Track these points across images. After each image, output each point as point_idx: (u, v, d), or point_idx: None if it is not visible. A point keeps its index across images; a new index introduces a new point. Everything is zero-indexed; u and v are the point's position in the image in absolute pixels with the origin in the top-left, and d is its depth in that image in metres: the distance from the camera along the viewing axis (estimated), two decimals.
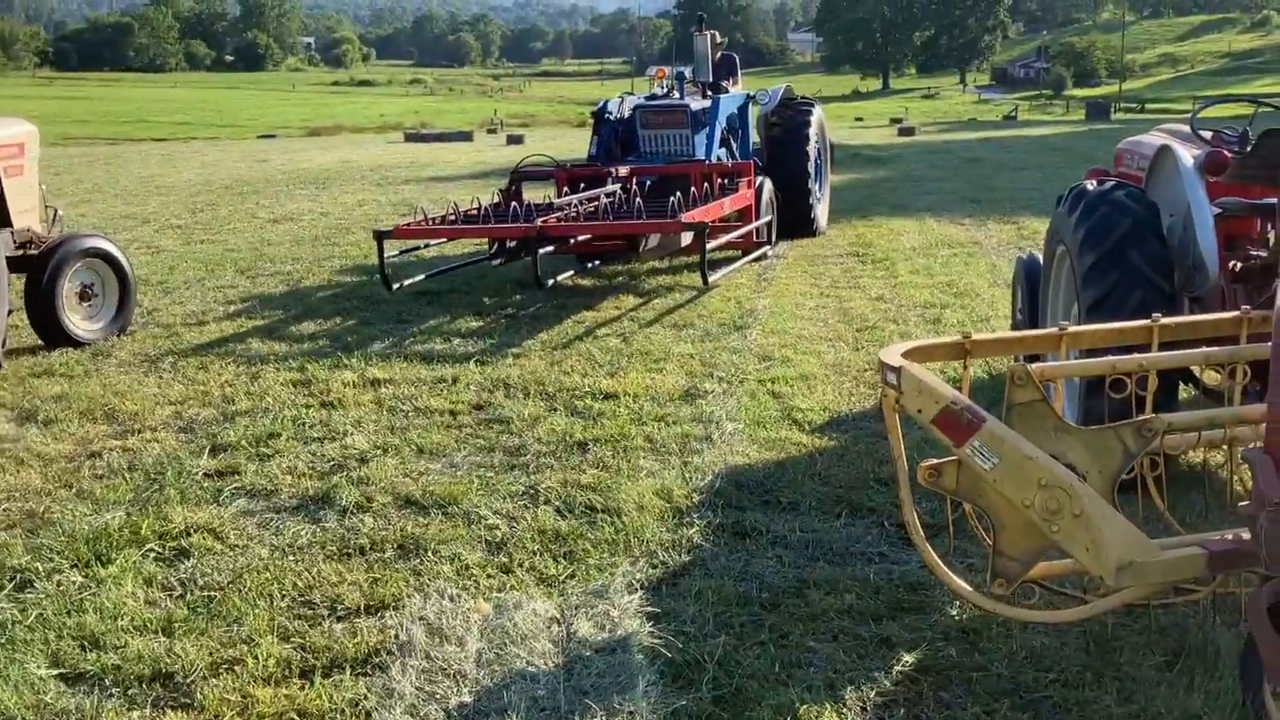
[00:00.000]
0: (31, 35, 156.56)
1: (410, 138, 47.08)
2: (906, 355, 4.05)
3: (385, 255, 11.03)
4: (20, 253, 9.52)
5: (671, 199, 11.29)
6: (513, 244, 11.79)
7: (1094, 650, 4.33)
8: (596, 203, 11.65)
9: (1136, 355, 4.42)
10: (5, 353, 8.75)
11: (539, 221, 10.88)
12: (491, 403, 7.85)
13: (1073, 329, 4.50)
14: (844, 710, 4.01)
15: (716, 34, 15.91)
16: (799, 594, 4.87)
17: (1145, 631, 4.43)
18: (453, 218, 11.67)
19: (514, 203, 11.91)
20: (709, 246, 10.99)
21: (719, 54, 15.73)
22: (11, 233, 9.40)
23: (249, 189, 24.00)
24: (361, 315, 10.82)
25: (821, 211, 15.74)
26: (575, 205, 11.64)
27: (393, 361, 8.98)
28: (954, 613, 4.65)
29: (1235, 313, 4.67)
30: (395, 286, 11.11)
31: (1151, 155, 6.54)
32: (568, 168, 13.68)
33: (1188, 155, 6.14)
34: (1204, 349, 4.55)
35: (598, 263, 13.12)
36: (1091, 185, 6.29)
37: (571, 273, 12.48)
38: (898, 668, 4.28)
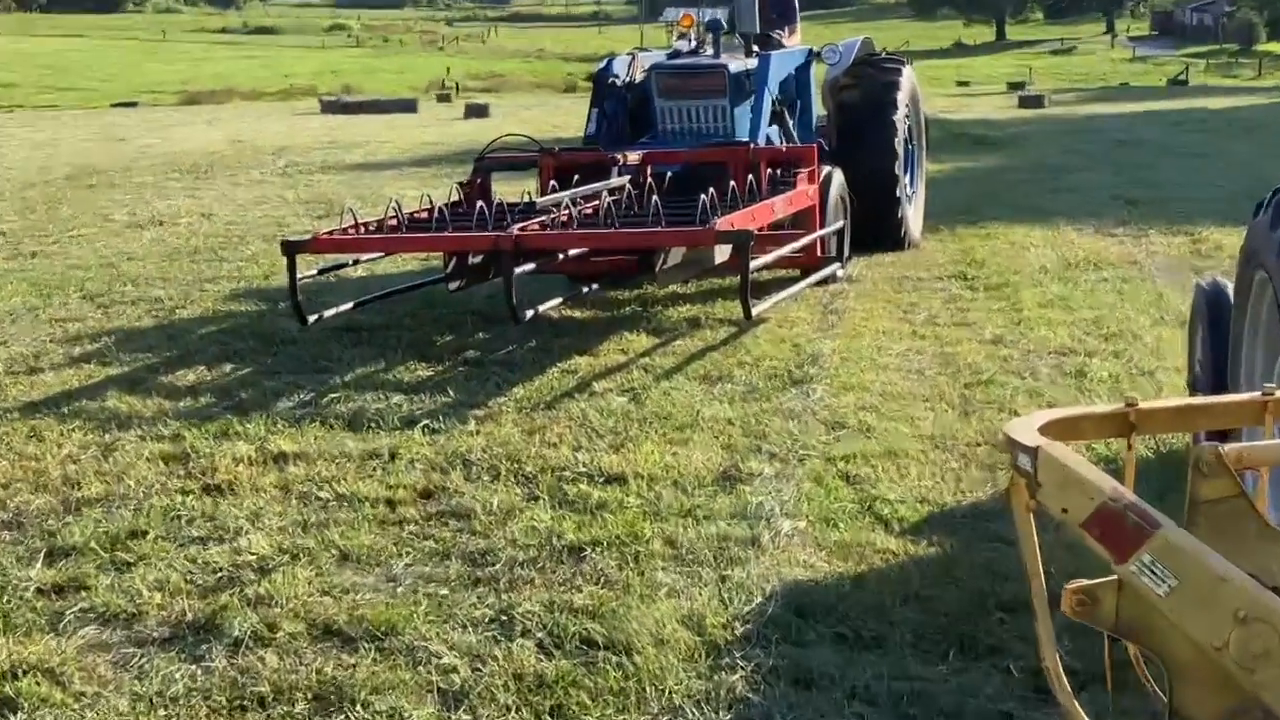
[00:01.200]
0: None
1: (329, 107, 47.28)
2: (1046, 429, 4.03)
3: (299, 276, 10.93)
4: None
5: (702, 197, 11.09)
6: (477, 260, 11.71)
7: None
8: (596, 203, 11.58)
9: None
10: None
11: (514, 229, 10.78)
12: (446, 488, 7.83)
13: None
14: None
15: None
16: None
17: None
18: (393, 223, 11.55)
19: (480, 202, 11.75)
20: (754, 265, 10.88)
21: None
22: None
23: (101, 180, 24.08)
24: (261, 361, 10.80)
25: (913, 215, 15.70)
26: (566, 206, 11.48)
27: (305, 428, 8.96)
28: None
29: None
30: (312, 319, 11.05)
31: None
32: (556, 152, 13.51)
33: None
34: None
35: (595, 287, 13.03)
36: None
37: (559, 301, 12.33)
38: None
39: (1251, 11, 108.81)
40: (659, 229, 11.00)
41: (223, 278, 14.30)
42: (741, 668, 5.60)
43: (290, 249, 10.93)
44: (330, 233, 11.61)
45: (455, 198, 12.56)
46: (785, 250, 12.45)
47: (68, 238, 17.38)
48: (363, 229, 11.51)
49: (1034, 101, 46.55)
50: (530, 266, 11.40)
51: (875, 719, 5.21)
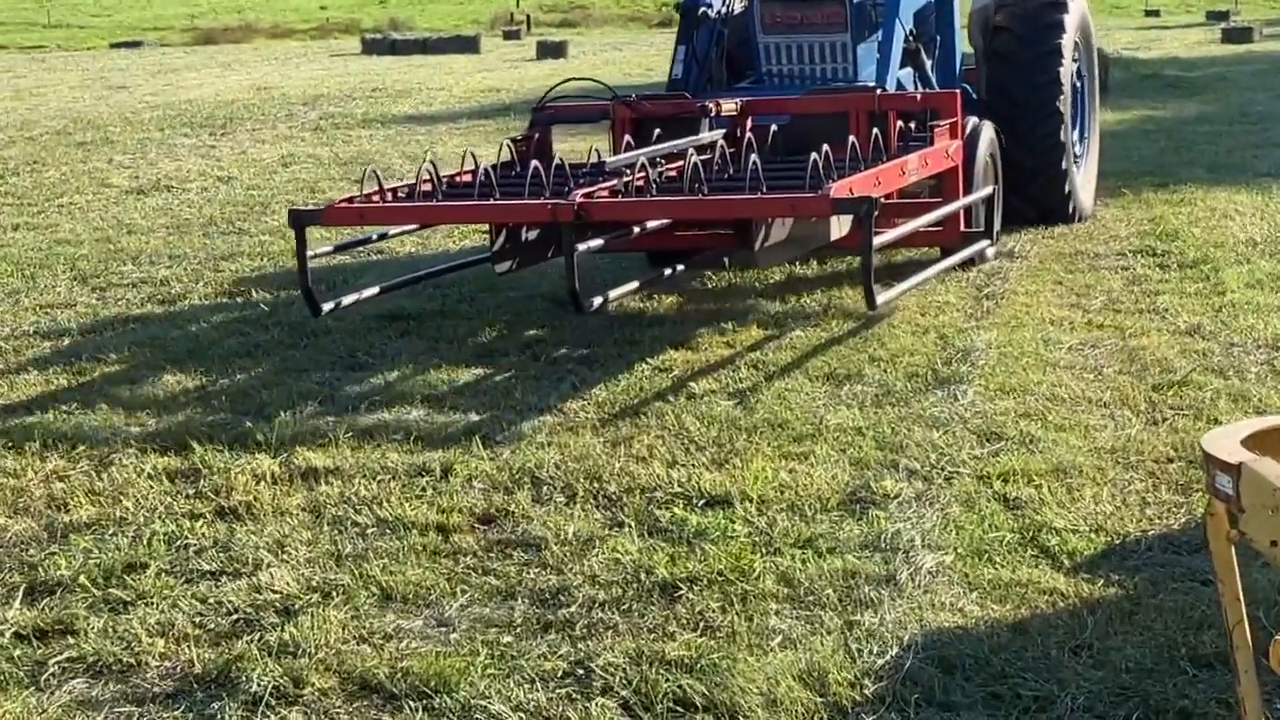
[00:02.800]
0: None
1: (373, 47, 47.52)
2: (1251, 443, 3.98)
3: (310, 254, 10.74)
4: None
5: (814, 156, 10.66)
6: (532, 235, 11.45)
7: None
8: (681, 163, 11.26)
9: None
10: None
11: (577, 196, 10.41)
12: (510, 511, 7.84)
13: None
14: None
15: None
16: None
17: None
18: (427, 188, 11.30)
19: (535, 162, 11.31)
20: (879, 242, 10.52)
21: None
22: None
23: (98, 136, 24.29)
24: (286, 355, 10.88)
25: (1084, 182, 15.48)
26: (643, 167, 11.12)
27: (340, 438, 8.99)
28: None
29: None
30: (327, 307, 10.84)
31: None
32: (633, 101, 12.99)
33: None
34: None
35: (681, 269, 12.66)
36: None
37: (635, 286, 11.91)
38: None
39: None
40: (760, 195, 10.56)
41: (241, 254, 14.33)
42: None
43: (299, 220, 10.64)
44: (350, 200, 11.27)
45: (506, 157, 12.23)
46: (919, 223, 11.94)
47: (55, 207, 17.52)
48: (389, 196, 11.16)
49: (1240, 35, 46.10)
50: (598, 243, 10.92)
51: None
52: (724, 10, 14.04)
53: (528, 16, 57.84)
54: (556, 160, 11.67)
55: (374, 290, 11.31)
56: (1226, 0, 63.32)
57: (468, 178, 11.26)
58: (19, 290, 13.17)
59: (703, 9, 14.00)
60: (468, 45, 46.88)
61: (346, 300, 11.04)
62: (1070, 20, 14.99)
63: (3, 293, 13.09)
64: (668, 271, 12.36)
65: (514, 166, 11.87)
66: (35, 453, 8.89)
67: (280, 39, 55.25)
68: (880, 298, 10.37)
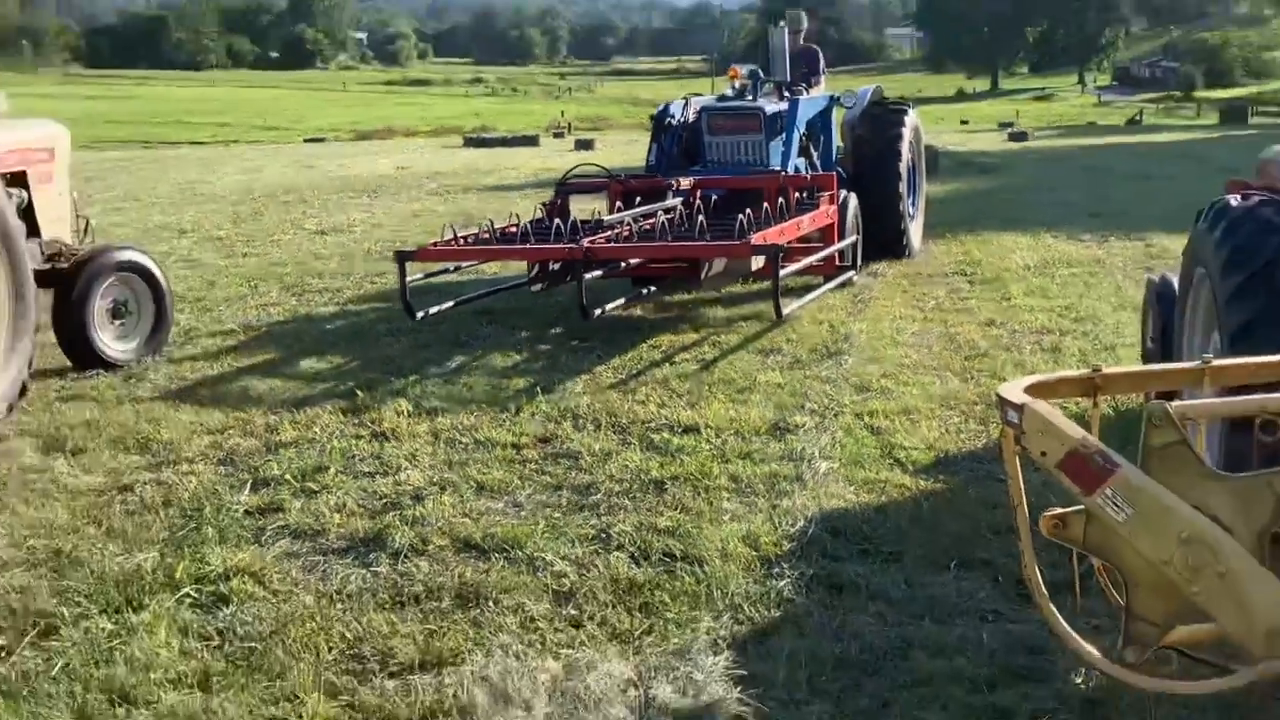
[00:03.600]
0: (61, 30, 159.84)
1: (470, 142, 47.34)
2: (1029, 390, 3.98)
3: (410, 279, 10.55)
4: (49, 266, 9.57)
5: (740, 217, 10.70)
6: (556, 266, 11.19)
7: None
8: (653, 220, 11.06)
9: None
10: (31, 375, 8.84)
11: (585, 242, 10.36)
12: (558, 435, 7.85)
13: (1218, 362, 4.40)
14: None
15: (803, 15, 15.34)
16: (903, 656, 4.81)
17: None
18: (486, 236, 11.11)
19: (557, 221, 11.31)
20: (783, 273, 10.41)
21: (799, 47, 15.09)
22: (40, 244, 9.46)
23: (295, 197, 24.27)
24: (416, 337, 10.81)
25: (915, 230, 15.23)
26: (628, 223, 11.13)
27: (450, 389, 9.00)
28: (1078, 681, 4.55)
29: None
30: (420, 315, 10.65)
31: None
32: (622, 179, 12.95)
33: None
34: None
35: (653, 289, 12.41)
36: (1235, 200, 6.17)
37: (622, 301, 11.60)
38: None
39: (1191, 66, 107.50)
40: (704, 243, 10.60)
41: (387, 273, 14.23)
42: (788, 576, 5.58)
43: (401, 258, 10.55)
44: (434, 244, 11.21)
45: (539, 214, 12.07)
46: (809, 261, 11.83)
47: (269, 242, 17.52)
48: (463, 241, 11.08)
49: (1020, 137, 46.08)
50: (598, 273, 11.01)
51: (892, 616, 5.19)
52: (682, 119, 13.78)
53: (569, 123, 57.60)
54: (572, 217, 11.54)
55: (450, 304, 11.14)
56: (1011, 115, 63.40)
57: (513, 228, 11.03)
58: (246, 295, 13.18)
59: (668, 119, 13.80)
60: (530, 141, 46.61)
61: (433, 310, 10.81)
62: (907, 127, 14.79)
63: (237, 296, 13.09)
64: (644, 290, 12.16)
65: (545, 221, 11.65)
66: (258, 397, 8.90)
67: (411, 137, 55.08)
68: (785, 310, 10.37)
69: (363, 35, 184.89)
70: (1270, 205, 6.02)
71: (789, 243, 11.12)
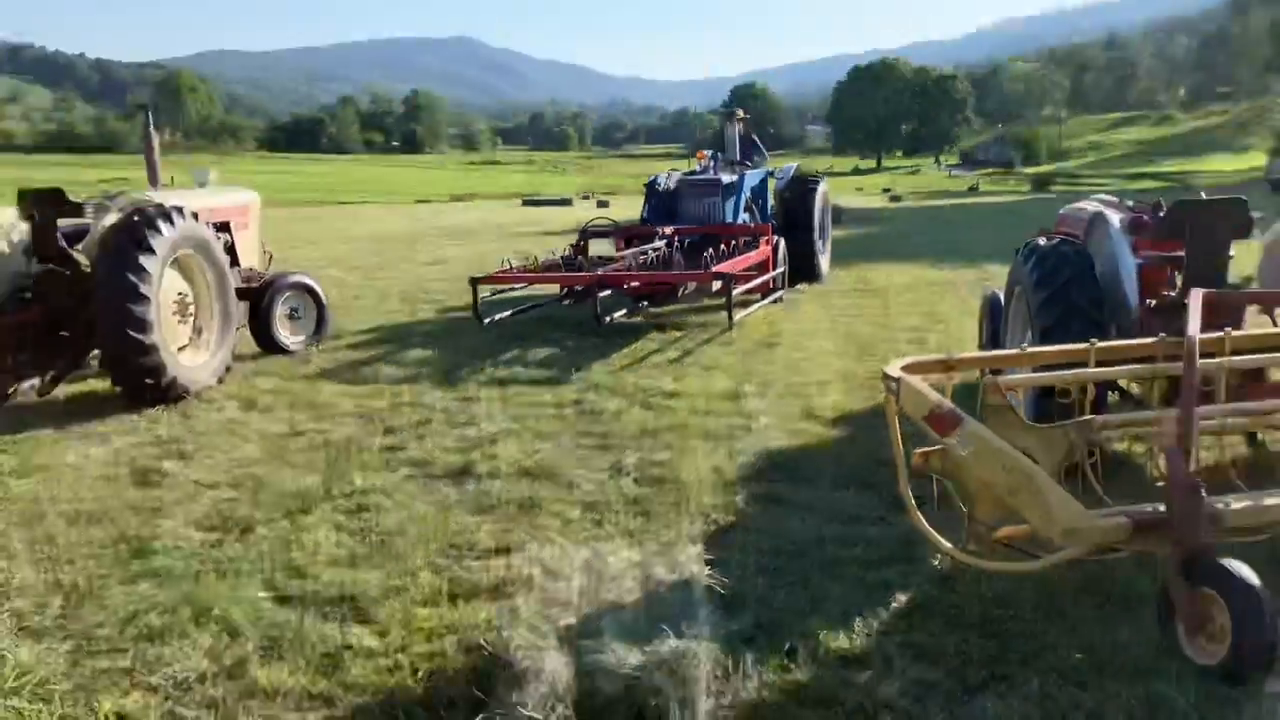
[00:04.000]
0: (253, 126, 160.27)
1: (527, 202, 47.22)
2: (904, 369, 3.99)
3: (480, 296, 10.53)
4: (246, 285, 9.65)
5: (705, 255, 10.79)
6: (580, 288, 11.08)
7: (1045, 594, 4.23)
8: (645, 257, 11.13)
9: (1078, 370, 4.33)
10: (234, 358, 8.85)
11: (600, 271, 10.46)
12: (586, 399, 7.82)
13: (1031, 349, 4.41)
14: (854, 636, 3.94)
15: (741, 112, 15.11)
16: (819, 546, 4.81)
17: (1084, 580, 4.32)
18: (532, 267, 11.19)
19: (580, 256, 11.45)
20: (736, 293, 10.41)
21: (750, 140, 14.91)
22: (239, 271, 9.53)
23: (410, 240, 24.19)
24: (492, 334, 10.73)
25: (824, 263, 14.81)
26: (629, 259, 11.13)
27: (513, 369, 8.98)
28: (936, 564, 4.56)
29: (1154, 339, 4.56)
30: (486, 321, 10.53)
31: (1087, 219, 6.42)
32: (624, 227, 12.93)
33: (1116, 219, 6.02)
34: (1130, 366, 4.45)
35: (646, 304, 11.84)
36: (1042, 241, 6.17)
37: (624, 311, 11.26)
38: (894, 604, 4.21)
39: (1013, 151, 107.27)
40: (680, 273, 10.67)
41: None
42: (740, 493, 5.59)
43: (474, 281, 10.54)
44: (498, 272, 11.17)
45: (568, 252, 12.08)
46: (752, 285, 11.62)
47: (393, 270, 17.48)
48: (516, 270, 11.08)
49: (896, 199, 45.95)
50: (608, 292, 10.75)
51: (810, 519, 5.19)
52: (667, 185, 13.45)
53: (592, 190, 57.45)
54: (592, 255, 11.60)
55: (508, 313, 10.92)
56: (890, 184, 63.14)
57: (552, 261, 11.14)
58: (377, 305, 13.14)
59: (656, 185, 13.48)
60: (566, 202, 46.39)
61: (497, 317, 10.70)
62: (819, 193, 14.38)
63: (371, 306, 13.04)
64: (640, 304, 11.71)
65: (573, 257, 11.68)
66: (386, 374, 8.88)
67: (488, 199, 54.89)
68: (735, 318, 10.35)
69: (454, 130, 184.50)
70: (1066, 244, 6.03)
71: (739, 271, 11.03)
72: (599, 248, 12.95)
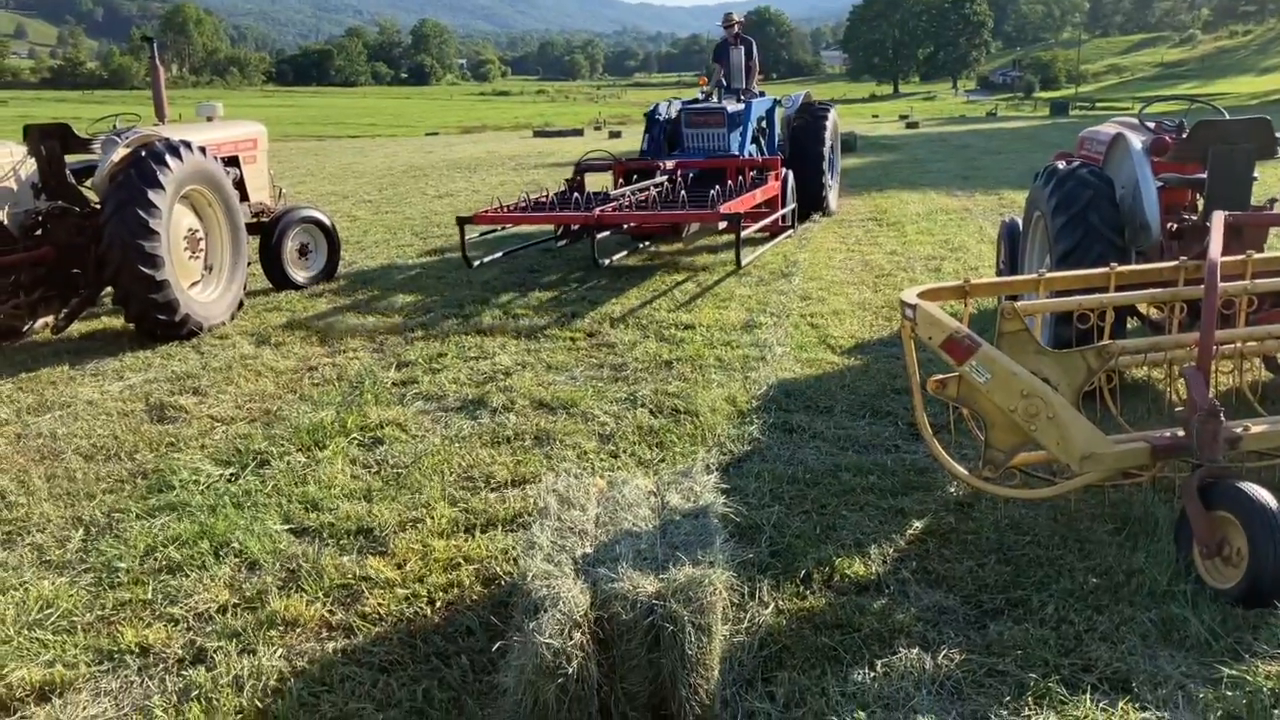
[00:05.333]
0: (259, 59, 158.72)
1: (538, 133, 46.72)
2: (921, 296, 3.95)
3: (469, 237, 9.68)
4: (255, 220, 9.62)
5: (711, 191, 9.91)
6: (575, 228, 10.49)
7: (1060, 520, 4.24)
8: (646, 194, 10.28)
9: (1098, 295, 4.28)
10: (246, 294, 8.85)
11: (597, 211, 9.46)
12: (600, 332, 7.80)
13: (1049, 274, 4.36)
14: (869, 562, 3.96)
15: (736, 17, 13.95)
16: (833, 475, 4.82)
17: (1100, 506, 4.32)
18: (524, 206, 10.15)
19: (575, 193, 10.43)
20: (745, 233, 9.62)
21: (743, 43, 13.79)
22: (248, 205, 9.49)
23: (419, 173, 24.04)
24: (503, 267, 10.70)
25: (833, 196, 14.26)
26: (628, 196, 10.15)
27: (526, 302, 8.96)
28: (952, 490, 4.57)
29: (1175, 262, 4.50)
30: (475, 264, 9.81)
31: (1108, 141, 6.30)
32: (623, 161, 11.98)
33: (1137, 141, 5.91)
34: (1151, 290, 4.40)
35: (648, 243, 11.55)
36: (1061, 165, 6.07)
37: (625, 253, 10.77)
38: (909, 531, 4.22)
39: (1031, 75, 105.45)
40: (685, 212, 9.56)
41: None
42: (756, 422, 5.59)
43: (461, 221, 9.60)
44: (486, 211, 10.10)
45: (563, 188, 11.16)
46: (762, 224, 11.08)
47: (403, 203, 17.38)
48: (506, 209, 9.98)
49: (913, 125, 45.22)
50: (607, 233, 10.29)
51: (825, 447, 5.19)
52: (668, 115, 12.83)
53: (604, 120, 56.79)
54: (588, 191, 10.74)
55: (499, 254, 10.43)
56: (906, 110, 62.22)
57: (544, 199, 10.25)
58: (388, 240, 13.08)
59: (657, 115, 12.89)
60: (578, 133, 45.82)
61: (486, 259, 10.12)
62: (829, 121, 13.89)
63: (382, 240, 12.99)
64: (641, 244, 11.45)
65: (567, 193, 10.78)
66: (399, 307, 8.86)
67: (497, 131, 54.36)
68: (744, 260, 9.71)
69: (463, 61, 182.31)
70: (1085, 168, 5.93)
71: (747, 211, 10.41)
72: (594, 182, 12.21)
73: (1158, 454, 3.85)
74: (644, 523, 3.48)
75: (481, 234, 10.99)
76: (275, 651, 3.51)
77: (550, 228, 11.06)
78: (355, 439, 5.51)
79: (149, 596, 3.91)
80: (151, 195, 7.57)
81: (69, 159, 8.27)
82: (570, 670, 2.88)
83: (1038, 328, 4.82)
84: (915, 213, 14.03)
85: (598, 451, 5.22)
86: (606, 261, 9.92)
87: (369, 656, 3.47)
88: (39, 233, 8.12)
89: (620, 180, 11.34)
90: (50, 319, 8.12)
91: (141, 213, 7.49)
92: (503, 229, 11.19)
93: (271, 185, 10.15)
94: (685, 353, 7.03)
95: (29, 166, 8.14)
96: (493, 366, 6.87)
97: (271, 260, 9.63)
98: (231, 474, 5.08)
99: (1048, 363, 3.87)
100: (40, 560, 4.26)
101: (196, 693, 3.29)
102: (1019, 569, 3.87)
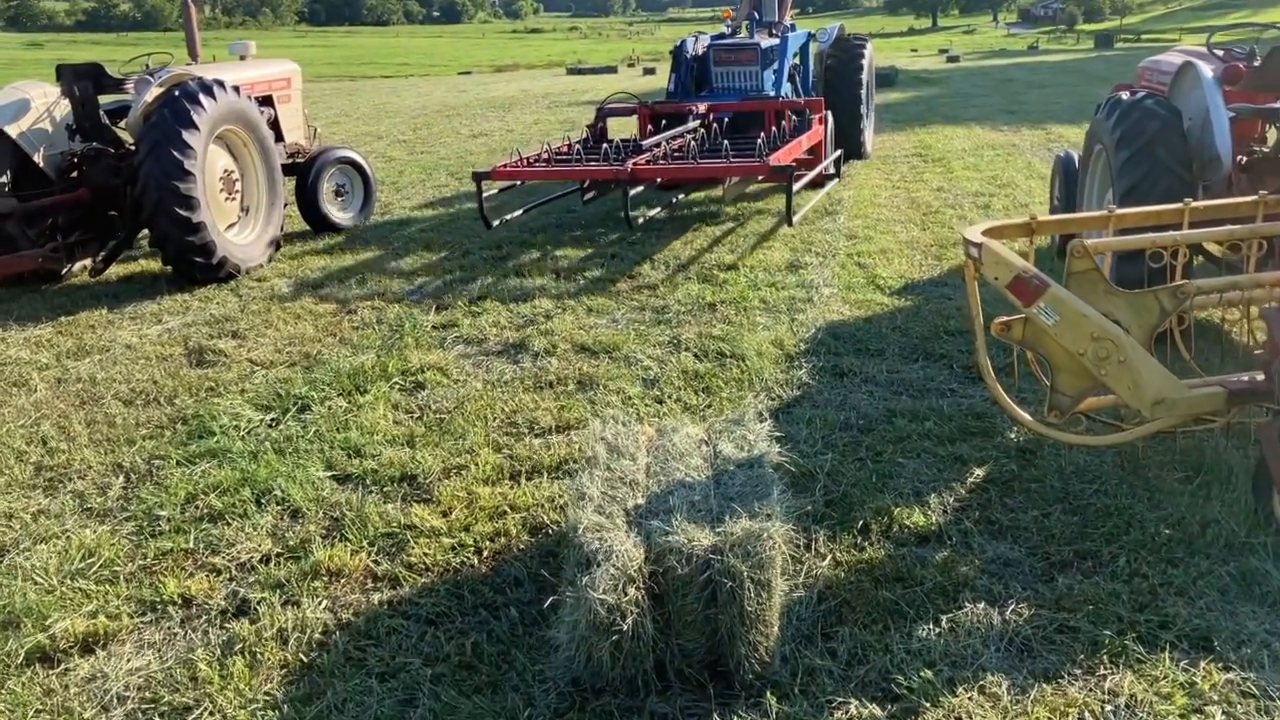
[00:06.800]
0: None
1: (571, 71, 46.07)
2: (985, 233, 3.75)
3: (486, 193, 8.76)
4: (291, 161, 9.47)
5: (758, 140, 8.95)
6: (604, 182, 9.43)
7: (1129, 468, 4.07)
8: (680, 141, 9.40)
9: (1172, 232, 4.06)
10: (282, 235, 8.74)
11: (630, 164, 8.46)
12: (641, 274, 7.65)
13: (1120, 211, 4.13)
14: (929, 512, 3.82)
15: None
16: (888, 421, 4.67)
17: (1170, 453, 4.14)
18: (546, 158, 9.17)
19: (604, 144, 9.40)
20: (797, 187, 8.62)
21: None
22: (283, 146, 9.33)
23: (453, 113, 23.78)
24: (542, 208, 10.43)
25: (869, 137, 13.38)
26: (664, 144, 9.17)
27: (567, 243, 8.81)
28: (1013, 436, 4.40)
29: (1254, 196, 4.26)
30: (495, 223, 8.89)
31: (1174, 71, 6.01)
32: (650, 105, 10.72)
33: (1207, 69, 5.61)
34: (1228, 227, 4.17)
35: (681, 195, 10.74)
36: (1124, 95, 5.79)
37: (659, 209, 10.01)
38: (970, 479, 4.07)
39: (1074, 6, 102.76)
40: (730, 163, 8.51)
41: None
42: (804, 366, 5.44)
43: (478, 177, 8.54)
44: (504, 165, 9.02)
45: (585, 135, 10.21)
46: (812, 175, 9.84)
47: (438, 143, 17.18)
48: (526, 162, 9.00)
49: (954, 59, 44.18)
50: (640, 188, 9.46)
51: (878, 392, 5.04)
52: (695, 52, 11.77)
53: (638, 57, 55.87)
54: (614, 140, 9.73)
55: (519, 212, 9.33)
56: (946, 44, 60.80)
57: (565, 150, 9.30)
58: (424, 180, 12.92)
59: (684, 53, 11.80)
60: (611, 70, 45.07)
61: (507, 217, 9.12)
62: (866, 57, 13.01)
63: (417, 180, 12.83)
64: (673, 199, 10.53)
65: (589, 141, 9.84)
66: (437, 249, 8.73)
67: (529, 69, 53.72)
68: (795, 217, 8.65)
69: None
70: (1149, 99, 5.65)
71: (795, 160, 9.45)
72: (618, 127, 11.43)
73: (1234, 399, 3.67)
74: (696, 473, 3.35)
75: (501, 189, 10.31)
76: (320, 603, 3.43)
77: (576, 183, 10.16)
78: (396, 383, 5.42)
79: (190, 545, 3.85)
80: (186, 135, 7.44)
81: (102, 99, 8.16)
82: (625, 627, 2.78)
83: (1107, 266, 4.61)
84: (960, 148, 13.67)
85: (642, 397, 5.09)
86: (640, 219, 9.25)
87: (415, 608, 3.39)
88: (74, 175, 8.04)
89: (649, 127, 10.40)
90: (88, 262, 8.07)
91: (176, 153, 7.38)
92: (521, 183, 10.06)
93: (306, 125, 10.01)
94: (729, 295, 6.87)
95: (63, 108, 8.04)
96: (533, 310, 6.74)
97: (308, 202, 9.51)
98: (272, 419, 5.00)
99: (1119, 304, 3.68)
100: (82, 508, 4.21)
101: (240, 646, 3.22)
102: (1086, 519, 3.71)
